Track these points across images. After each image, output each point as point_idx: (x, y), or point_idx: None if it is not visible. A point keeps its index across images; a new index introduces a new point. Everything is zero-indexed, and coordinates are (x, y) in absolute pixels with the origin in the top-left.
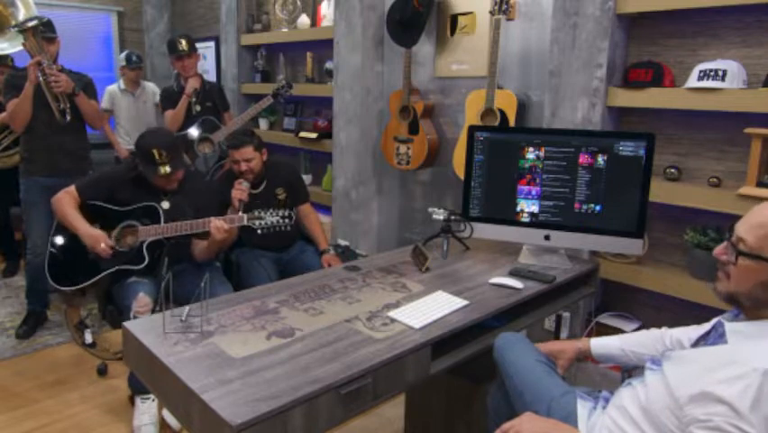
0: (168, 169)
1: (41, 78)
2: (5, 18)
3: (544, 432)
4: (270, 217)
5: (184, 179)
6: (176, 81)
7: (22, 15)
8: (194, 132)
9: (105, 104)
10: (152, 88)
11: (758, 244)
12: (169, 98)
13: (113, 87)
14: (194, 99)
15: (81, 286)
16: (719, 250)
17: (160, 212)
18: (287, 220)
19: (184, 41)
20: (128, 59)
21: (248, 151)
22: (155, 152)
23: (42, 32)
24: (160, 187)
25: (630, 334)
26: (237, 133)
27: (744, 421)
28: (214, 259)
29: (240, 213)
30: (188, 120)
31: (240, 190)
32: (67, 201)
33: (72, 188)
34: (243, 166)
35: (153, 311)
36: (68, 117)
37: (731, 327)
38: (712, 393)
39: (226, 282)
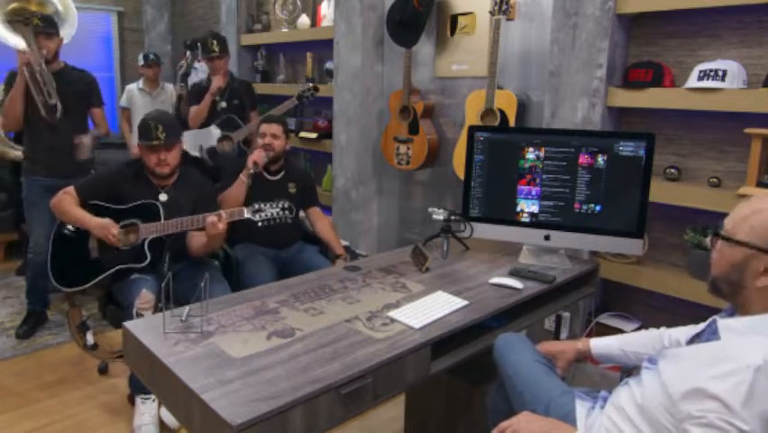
0: (161, 136)
1: (26, 73)
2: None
3: (542, 431)
4: (271, 209)
5: (181, 174)
6: (206, 78)
7: (60, 8)
8: (215, 132)
9: (123, 102)
10: (171, 90)
11: (734, 228)
12: (196, 94)
13: (131, 86)
14: (218, 97)
15: (85, 287)
16: (709, 239)
17: (160, 208)
18: (287, 212)
19: (215, 43)
20: (144, 57)
21: (277, 128)
22: (151, 123)
23: (39, 27)
24: (153, 167)
25: (629, 334)
26: (272, 114)
27: (736, 417)
28: (213, 257)
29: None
30: (213, 116)
31: (257, 154)
32: (67, 201)
33: (71, 188)
34: (267, 139)
35: (156, 308)
36: (59, 114)
37: (723, 324)
38: (705, 389)
39: (224, 282)
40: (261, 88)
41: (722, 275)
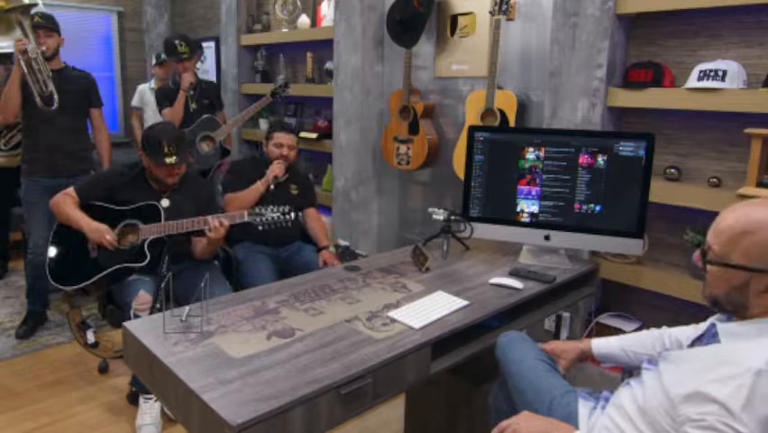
0: (174, 159)
1: (22, 60)
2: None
3: (542, 431)
4: (271, 213)
5: (184, 178)
6: (171, 79)
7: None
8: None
9: (135, 102)
10: None
11: (722, 250)
12: (166, 96)
13: (143, 86)
14: (191, 93)
15: (83, 285)
16: (696, 256)
17: (161, 210)
18: (287, 216)
19: (183, 45)
20: (157, 56)
21: (294, 139)
22: (164, 143)
23: (38, 23)
24: (162, 178)
25: (630, 334)
26: (284, 121)
27: (736, 421)
28: (213, 258)
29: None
30: (187, 118)
31: (278, 167)
32: (66, 202)
33: (71, 189)
34: (285, 150)
35: (153, 309)
36: (55, 104)
37: (723, 328)
38: (705, 393)
39: (224, 282)
40: (262, 89)
41: (724, 297)
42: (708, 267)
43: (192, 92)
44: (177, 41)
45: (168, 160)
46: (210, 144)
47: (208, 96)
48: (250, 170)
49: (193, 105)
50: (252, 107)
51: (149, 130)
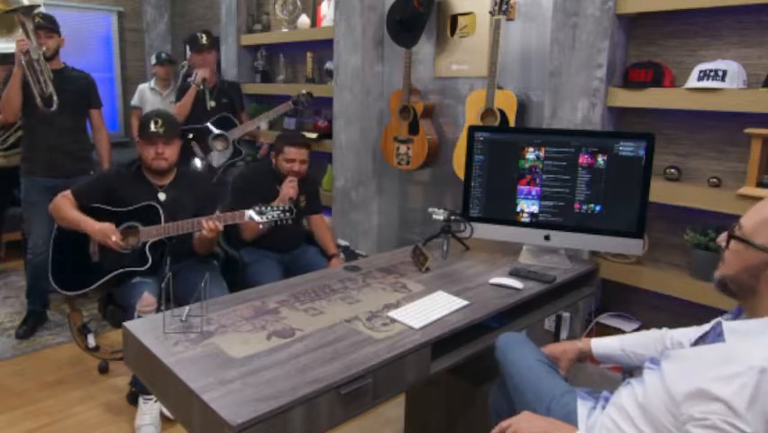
0: (160, 130)
1: (23, 61)
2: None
3: (542, 431)
4: (272, 212)
5: (182, 173)
6: (192, 77)
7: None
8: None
9: (134, 101)
10: None
11: (752, 230)
12: (182, 92)
13: (143, 86)
14: (201, 87)
15: (87, 290)
16: (721, 237)
17: (160, 210)
18: (287, 214)
19: (205, 37)
20: (157, 56)
21: (306, 153)
22: (151, 117)
23: (39, 23)
24: (150, 161)
25: (631, 334)
26: (295, 132)
27: (740, 420)
28: (213, 257)
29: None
30: (203, 115)
31: (292, 188)
32: (65, 205)
33: (68, 192)
34: (296, 166)
35: (158, 311)
36: (55, 106)
37: (729, 326)
38: (708, 391)
39: (222, 283)
40: (262, 89)
41: (734, 276)
42: (731, 244)
43: (202, 87)
44: (199, 33)
45: (152, 132)
46: (223, 143)
47: (228, 95)
48: (259, 184)
49: (211, 103)
50: (272, 111)
51: (144, 114)
